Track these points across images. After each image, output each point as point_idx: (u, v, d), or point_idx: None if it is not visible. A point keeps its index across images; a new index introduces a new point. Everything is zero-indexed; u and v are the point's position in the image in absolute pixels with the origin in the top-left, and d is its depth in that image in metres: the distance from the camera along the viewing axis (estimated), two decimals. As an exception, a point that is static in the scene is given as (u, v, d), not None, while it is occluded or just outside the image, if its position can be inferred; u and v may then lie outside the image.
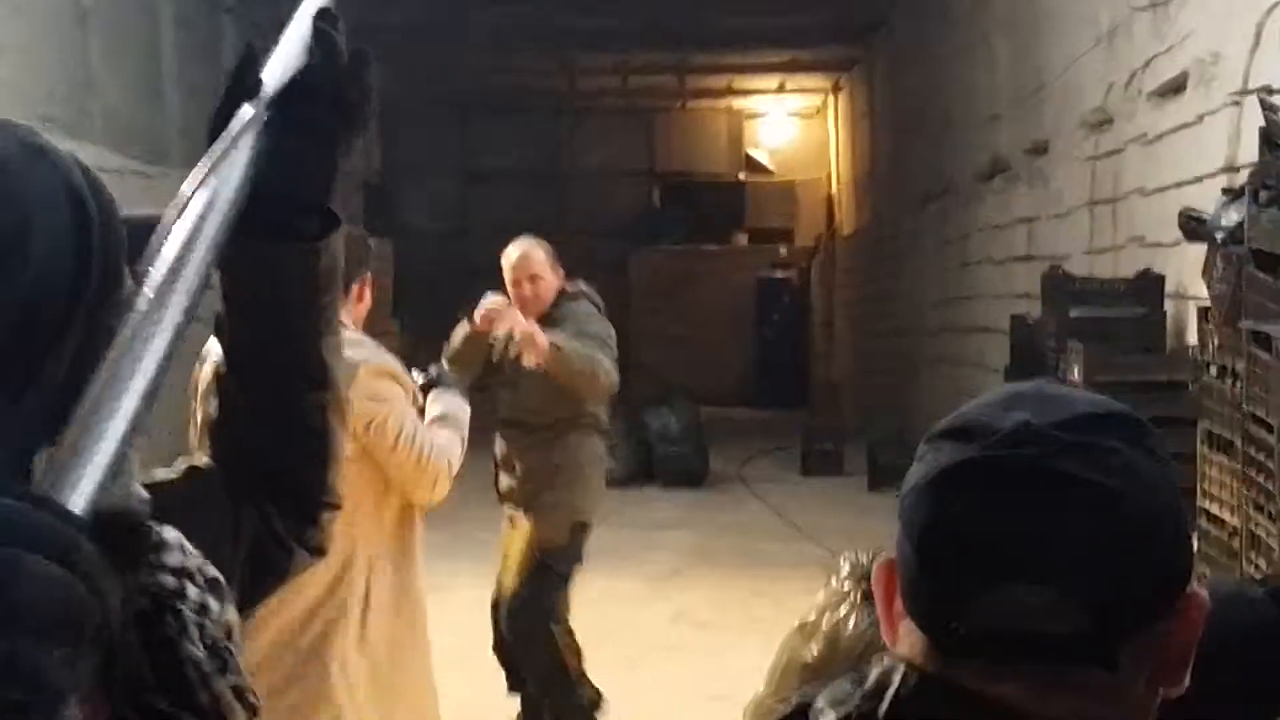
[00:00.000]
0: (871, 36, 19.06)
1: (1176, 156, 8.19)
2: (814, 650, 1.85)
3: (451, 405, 4.30)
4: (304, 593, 3.75)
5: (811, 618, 1.90)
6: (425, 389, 4.29)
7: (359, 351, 3.90)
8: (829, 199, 25.08)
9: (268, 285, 1.52)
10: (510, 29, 18.61)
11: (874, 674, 1.21)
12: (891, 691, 1.18)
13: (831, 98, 24.37)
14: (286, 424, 1.54)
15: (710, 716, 5.90)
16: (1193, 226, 5.20)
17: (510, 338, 5.39)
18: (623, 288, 25.67)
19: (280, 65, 1.46)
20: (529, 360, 5.28)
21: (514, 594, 5.72)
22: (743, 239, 25.83)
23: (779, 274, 25.18)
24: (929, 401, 15.73)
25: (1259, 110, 5.01)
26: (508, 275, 5.88)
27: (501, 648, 6.00)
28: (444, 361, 4.99)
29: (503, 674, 6.12)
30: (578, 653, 5.96)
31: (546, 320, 5.64)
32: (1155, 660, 1.18)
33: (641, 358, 24.92)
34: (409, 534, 4.06)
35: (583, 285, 6.03)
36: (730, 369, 24.26)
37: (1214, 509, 4.95)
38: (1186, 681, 1.20)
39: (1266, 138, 4.70)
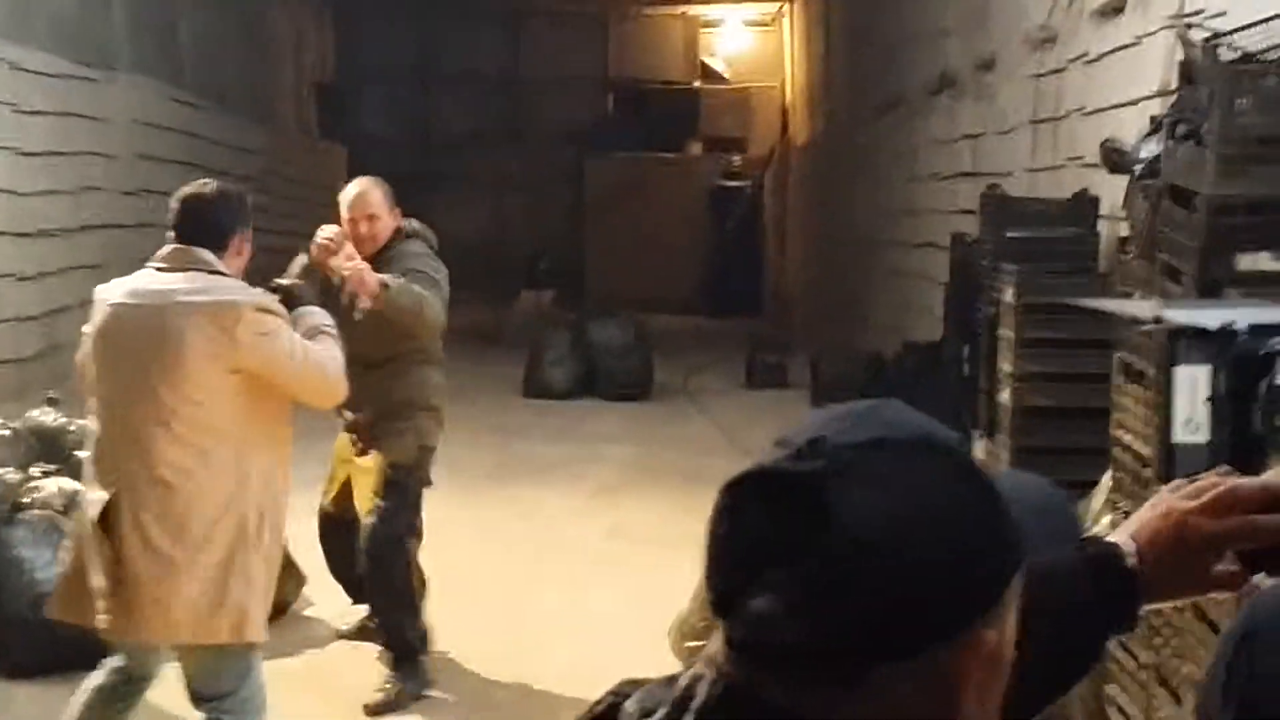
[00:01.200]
0: (829, -55, 18.95)
1: (1114, 78, 8.23)
2: None
3: (317, 316, 4.74)
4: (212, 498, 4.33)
5: None
6: (286, 304, 4.67)
7: (242, 295, 4.43)
8: (783, 108, 25.00)
9: None
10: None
11: (683, 681, 1.23)
12: (697, 704, 1.21)
13: (788, 6, 24.22)
14: None
15: (643, 632, 6.01)
16: (1113, 158, 5.26)
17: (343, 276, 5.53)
18: (576, 196, 25.65)
19: None
20: (360, 303, 5.44)
21: (369, 515, 5.90)
22: (697, 147, 25.76)
23: (733, 183, 25.15)
24: (877, 313, 15.83)
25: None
26: (344, 213, 6.04)
27: (339, 567, 6.28)
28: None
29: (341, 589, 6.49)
30: (422, 581, 6.19)
31: (380, 258, 5.85)
32: (937, 685, 1.19)
33: (592, 265, 24.95)
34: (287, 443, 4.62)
35: (416, 224, 6.20)
36: (684, 278, 24.29)
37: (1127, 439, 5.04)
38: (996, 708, 1.23)
39: (1184, 71, 4.75)
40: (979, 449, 8.67)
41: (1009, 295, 7.90)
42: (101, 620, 4.33)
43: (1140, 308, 4.21)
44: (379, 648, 6.18)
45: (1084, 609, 1.56)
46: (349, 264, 5.53)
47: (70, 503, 6.36)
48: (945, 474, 1.22)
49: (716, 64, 26.11)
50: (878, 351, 12.85)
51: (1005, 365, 8.03)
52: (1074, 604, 1.55)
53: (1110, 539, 1.63)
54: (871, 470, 1.19)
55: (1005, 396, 8.01)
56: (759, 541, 1.18)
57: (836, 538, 1.16)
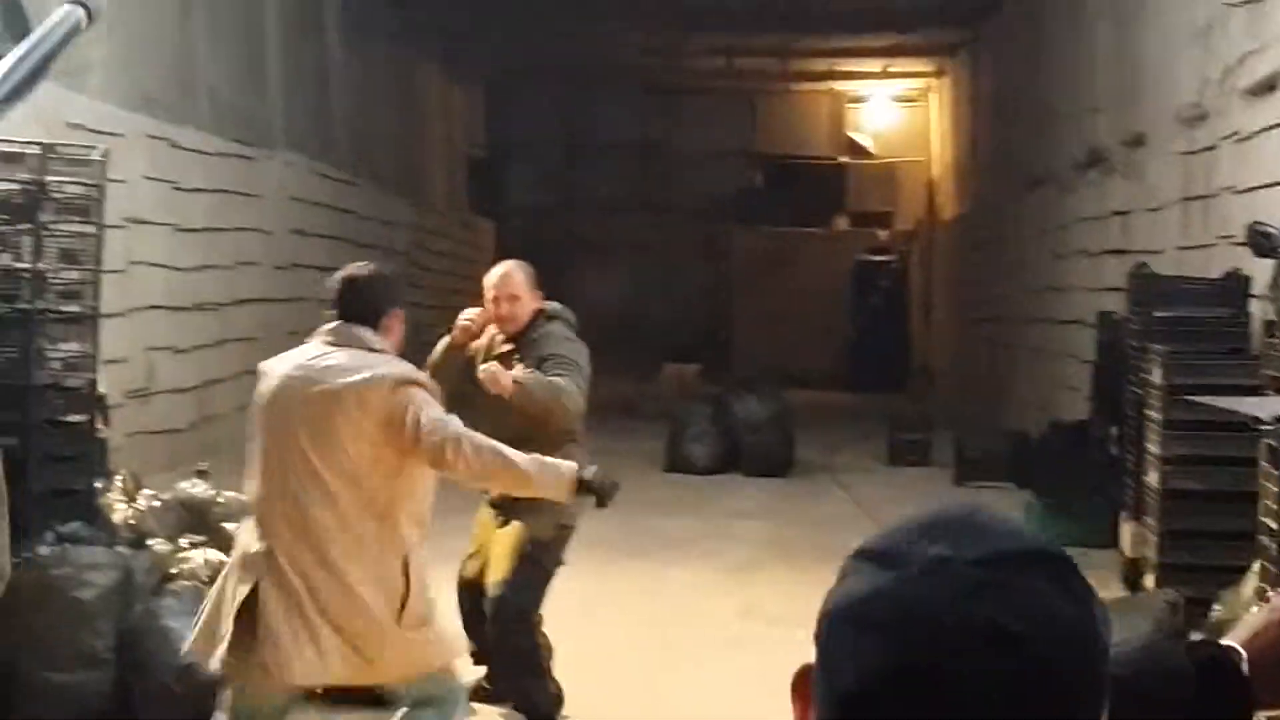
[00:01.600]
0: (978, 21, 18.87)
1: (1266, 157, 8.06)
2: None
3: None
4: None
5: None
6: None
7: (395, 369, 4.67)
8: (930, 183, 24.89)
9: None
10: (618, 7, 18.66)
11: None
12: None
13: (935, 82, 24.15)
14: None
15: (770, 714, 5.93)
16: (1258, 241, 5.14)
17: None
18: (722, 268, 25.72)
19: None
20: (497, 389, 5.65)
21: (500, 584, 5.93)
22: (843, 222, 25.71)
23: (878, 258, 25.04)
24: (1022, 390, 15.61)
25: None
26: (488, 293, 6.17)
27: (471, 630, 6.31)
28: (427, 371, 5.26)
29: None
30: (549, 648, 6.23)
31: (522, 339, 6.01)
32: None
33: (737, 339, 24.96)
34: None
35: (556, 306, 6.29)
36: (828, 352, 24.18)
37: (1274, 525, 4.90)
38: None
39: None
40: (1126, 532, 8.49)
41: (1156, 376, 7.76)
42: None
43: (1265, 405, 4.09)
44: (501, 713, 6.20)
45: (1191, 713, 1.52)
46: (482, 369, 5.70)
47: (217, 574, 6.49)
48: (1060, 580, 1.19)
49: (863, 139, 26.10)
50: (1023, 430, 12.66)
51: (1152, 447, 7.87)
52: (1181, 707, 1.50)
53: (1224, 642, 1.59)
54: (1006, 587, 1.16)
55: (1152, 479, 7.85)
56: (910, 674, 1.15)
57: (1004, 662, 1.14)
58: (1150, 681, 1.40)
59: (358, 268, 4.93)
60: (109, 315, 10.61)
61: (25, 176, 6.75)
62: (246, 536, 4.73)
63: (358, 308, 4.76)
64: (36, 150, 6.81)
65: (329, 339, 4.75)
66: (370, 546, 4.56)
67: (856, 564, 1.24)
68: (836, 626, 1.20)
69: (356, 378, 4.57)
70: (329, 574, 4.51)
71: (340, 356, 4.66)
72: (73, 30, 5.72)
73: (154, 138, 11.53)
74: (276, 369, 4.83)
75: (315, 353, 4.75)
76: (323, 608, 4.51)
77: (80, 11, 5.72)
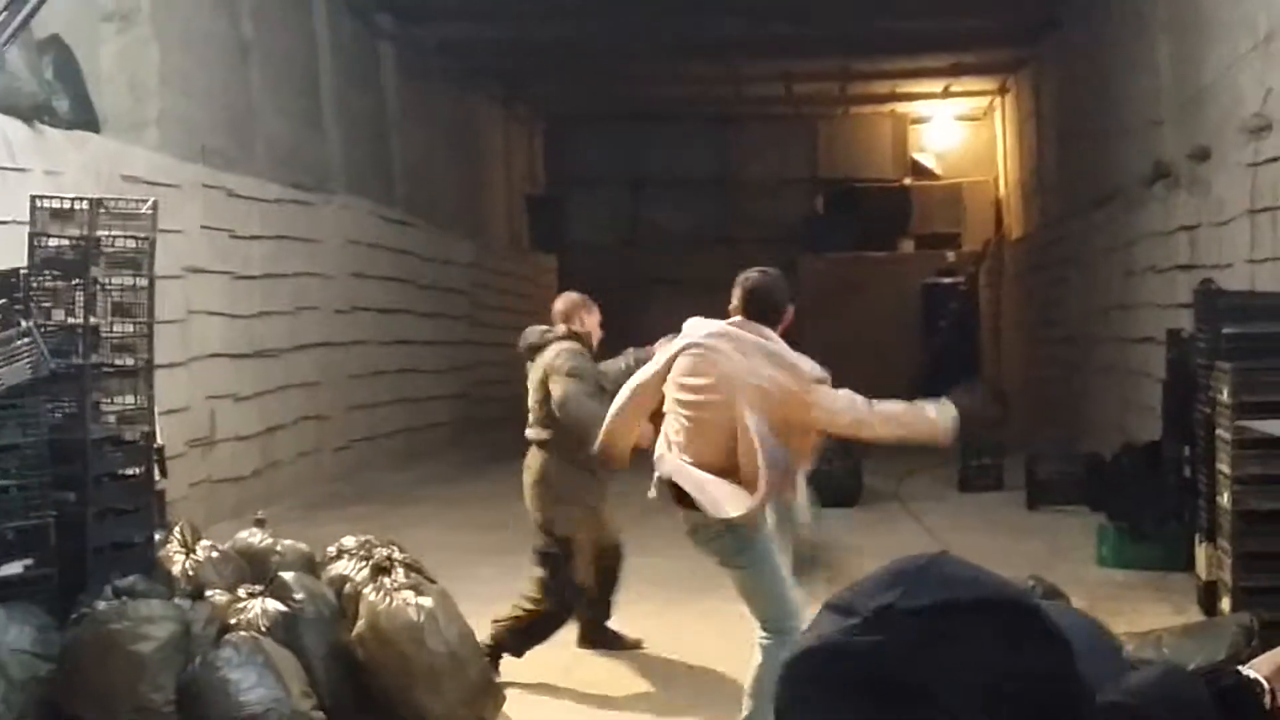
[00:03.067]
0: (1040, 38, 18.68)
1: (1334, 166, 7.88)
2: None
3: None
4: None
5: None
6: None
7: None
8: (997, 202, 24.64)
9: None
10: (676, 39, 18.65)
11: None
12: None
13: (999, 99, 23.93)
14: None
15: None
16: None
17: None
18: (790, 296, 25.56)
19: None
20: None
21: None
22: (909, 244, 25.50)
23: (946, 279, 24.80)
24: (1095, 411, 15.37)
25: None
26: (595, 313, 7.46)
27: None
28: None
29: None
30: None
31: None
32: None
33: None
34: None
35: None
36: (897, 377, 23.86)
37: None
38: None
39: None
40: (1201, 555, 8.28)
41: (1225, 394, 7.57)
42: None
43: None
44: None
45: None
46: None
47: (275, 624, 6.45)
48: (1020, 633, 1.18)
49: (927, 160, 25.91)
50: (1096, 453, 12.43)
51: (1223, 467, 7.67)
52: None
53: (1247, 672, 1.54)
54: (945, 640, 1.16)
55: (1224, 500, 7.64)
56: None
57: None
58: (1164, 712, 1.36)
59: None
60: (169, 365, 10.69)
61: (75, 232, 6.78)
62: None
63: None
64: (85, 206, 6.85)
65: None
66: None
67: (820, 614, 1.28)
68: (784, 676, 1.25)
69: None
70: None
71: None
72: None
73: (210, 186, 11.61)
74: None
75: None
76: None
77: None
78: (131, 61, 11.03)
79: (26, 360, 6.32)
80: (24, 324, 6.40)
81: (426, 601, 6.42)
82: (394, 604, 6.37)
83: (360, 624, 6.38)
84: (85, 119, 10.03)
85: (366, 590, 6.47)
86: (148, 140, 11.00)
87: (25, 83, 9.02)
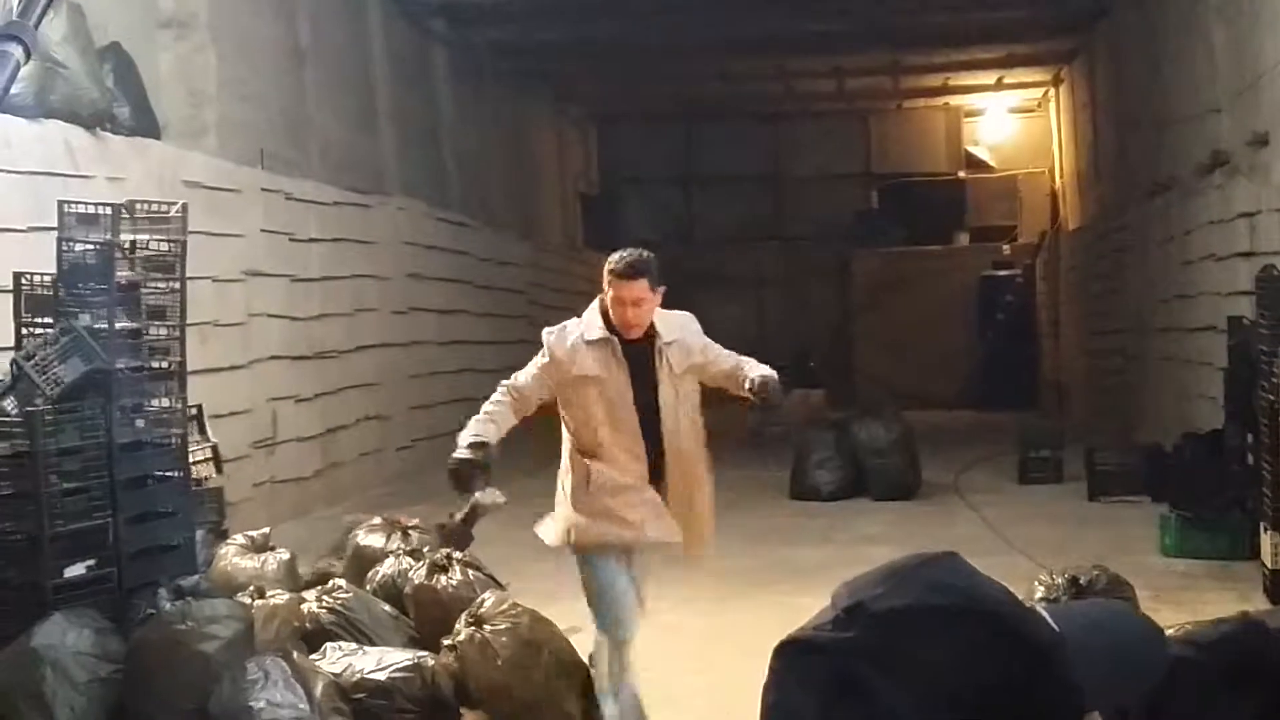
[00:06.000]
0: (1093, 26, 18.55)
1: (1395, 149, 7.79)
2: None
3: None
4: None
5: None
6: None
7: None
8: (1053, 194, 24.48)
9: None
10: (724, 37, 18.65)
11: None
12: None
13: (1053, 90, 23.78)
14: None
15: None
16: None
17: None
18: (840, 292, 25.53)
19: None
20: None
21: None
22: (964, 237, 25.38)
23: (1002, 272, 24.67)
24: (1155, 402, 15.25)
25: None
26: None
27: None
28: None
29: None
30: None
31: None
32: None
33: (860, 362, 24.72)
34: None
35: None
36: (955, 371, 23.86)
37: None
38: None
39: None
40: (1266, 544, 8.20)
41: (1288, 381, 7.50)
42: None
43: None
44: None
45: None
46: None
47: (343, 622, 6.52)
48: (982, 642, 1.19)
49: (981, 153, 25.78)
50: (1156, 443, 12.34)
51: (1288, 456, 7.60)
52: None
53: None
54: (905, 643, 1.20)
55: (1290, 489, 7.57)
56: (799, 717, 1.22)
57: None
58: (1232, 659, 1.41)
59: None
60: (231, 368, 10.81)
61: (99, 237, 6.74)
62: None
63: None
64: (109, 210, 6.81)
65: None
66: None
67: (826, 605, 1.38)
68: (772, 659, 1.35)
69: None
70: None
71: None
72: (14, 70, 5.73)
73: (269, 191, 11.71)
74: None
75: None
76: None
77: (18, 49, 5.73)
78: (189, 68, 11.15)
79: (79, 355, 6.36)
80: (69, 323, 6.44)
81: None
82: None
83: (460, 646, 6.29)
84: (145, 125, 10.15)
85: (459, 628, 6.36)
86: (207, 146, 11.11)
87: (87, 90, 9.13)
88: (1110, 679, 1.29)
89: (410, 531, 7.99)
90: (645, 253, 5.89)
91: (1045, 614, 1.30)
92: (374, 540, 7.86)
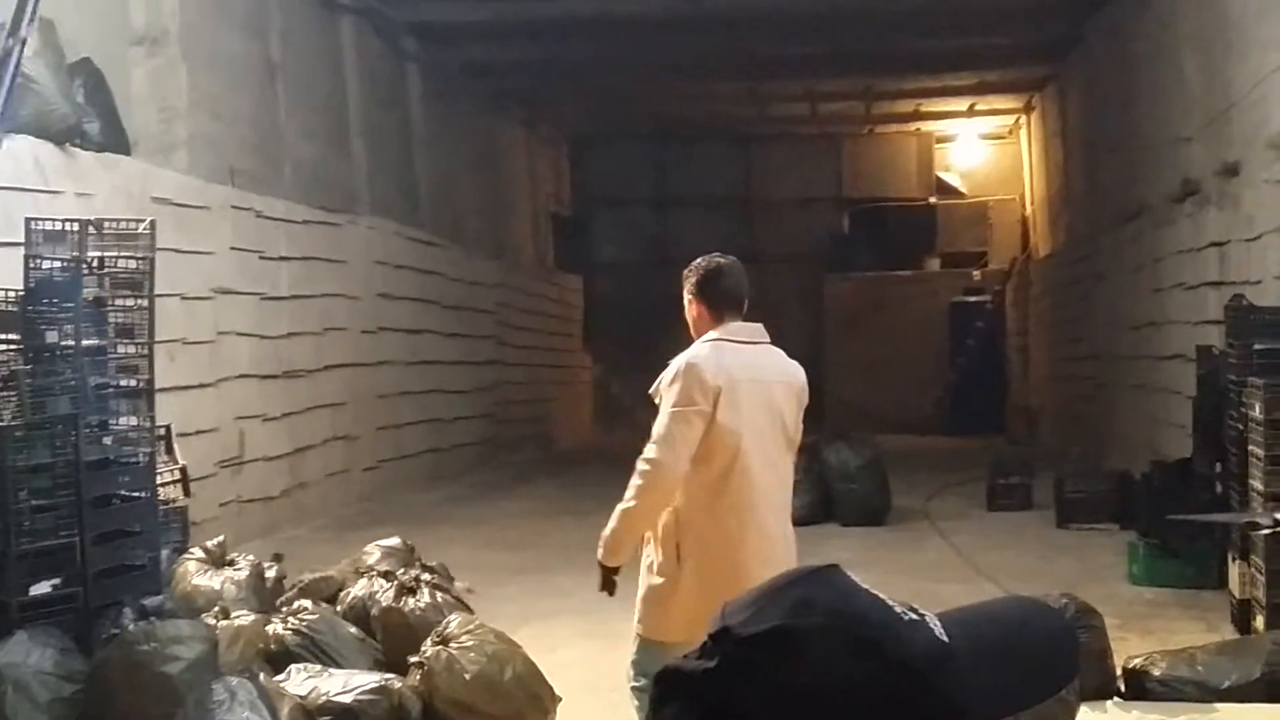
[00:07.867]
0: (1065, 54, 18.64)
1: (1364, 181, 7.83)
2: None
3: None
4: None
5: None
6: None
7: None
8: (1023, 220, 24.61)
9: None
10: (699, 59, 18.67)
11: None
12: None
13: (1024, 117, 23.90)
14: None
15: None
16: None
17: None
18: (813, 316, 25.55)
19: None
20: None
21: None
22: (935, 263, 25.47)
23: (973, 298, 24.76)
24: (1124, 430, 15.29)
25: None
26: None
27: None
28: None
29: None
30: None
31: None
32: None
33: (831, 386, 24.74)
34: None
35: None
36: (924, 397, 23.91)
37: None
38: None
39: None
40: (1234, 573, 8.21)
41: (1257, 411, 7.53)
42: None
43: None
44: None
45: None
46: None
47: (302, 644, 6.45)
48: (846, 661, 1.22)
49: (952, 179, 25.88)
50: (1125, 470, 12.37)
51: (1256, 484, 7.63)
52: None
53: None
54: (770, 668, 1.20)
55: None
56: None
57: None
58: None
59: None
60: (199, 386, 10.73)
61: (66, 254, 6.70)
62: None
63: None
64: (76, 227, 6.77)
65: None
66: None
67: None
68: (654, 693, 1.34)
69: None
70: None
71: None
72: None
73: (239, 208, 11.66)
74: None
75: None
76: None
77: None
78: (161, 84, 11.09)
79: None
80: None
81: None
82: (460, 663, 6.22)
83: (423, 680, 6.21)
84: (116, 141, 10.08)
85: (426, 648, 6.27)
86: (177, 163, 11.05)
87: (57, 106, 9.07)
88: (1016, 683, 1.30)
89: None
90: (704, 258, 5.28)
91: (934, 623, 1.30)
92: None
